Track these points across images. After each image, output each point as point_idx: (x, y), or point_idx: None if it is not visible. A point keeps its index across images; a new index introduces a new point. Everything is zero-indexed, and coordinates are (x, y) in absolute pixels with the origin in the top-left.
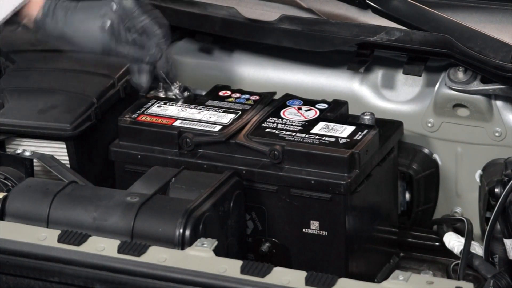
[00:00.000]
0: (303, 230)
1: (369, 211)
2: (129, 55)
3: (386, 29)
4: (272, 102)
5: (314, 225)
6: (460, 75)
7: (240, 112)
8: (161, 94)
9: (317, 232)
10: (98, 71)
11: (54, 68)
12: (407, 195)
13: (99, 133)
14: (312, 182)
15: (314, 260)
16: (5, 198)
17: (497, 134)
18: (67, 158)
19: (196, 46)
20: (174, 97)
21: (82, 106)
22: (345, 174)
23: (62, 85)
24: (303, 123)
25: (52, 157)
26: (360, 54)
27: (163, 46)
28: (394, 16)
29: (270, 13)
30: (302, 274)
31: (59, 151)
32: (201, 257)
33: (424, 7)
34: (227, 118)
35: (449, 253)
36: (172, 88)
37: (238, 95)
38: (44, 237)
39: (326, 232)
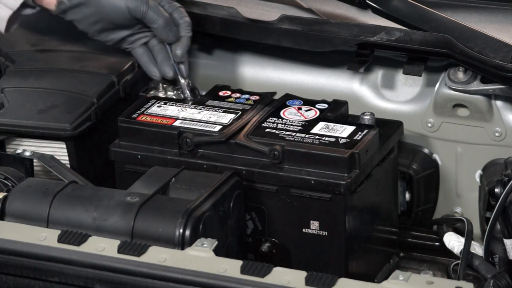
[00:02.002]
0: (303, 230)
1: (369, 211)
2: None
3: (386, 29)
4: (272, 102)
5: (314, 225)
6: (460, 75)
7: (240, 112)
8: (161, 94)
9: (317, 232)
10: (98, 71)
11: (54, 68)
12: (407, 195)
13: (99, 133)
14: (312, 182)
15: (314, 260)
16: (5, 198)
17: (497, 134)
18: (67, 158)
19: (195, 46)
20: (174, 97)
21: (82, 106)
22: (345, 174)
23: (62, 85)
24: (303, 123)
25: (52, 157)
26: (360, 54)
27: (188, 34)
28: (394, 16)
29: (270, 13)
30: (302, 274)
31: (59, 151)
32: (201, 257)
33: (424, 7)
34: (227, 118)
35: (449, 253)
36: (181, 82)
37: (238, 95)
38: (44, 237)
39: (326, 232)
